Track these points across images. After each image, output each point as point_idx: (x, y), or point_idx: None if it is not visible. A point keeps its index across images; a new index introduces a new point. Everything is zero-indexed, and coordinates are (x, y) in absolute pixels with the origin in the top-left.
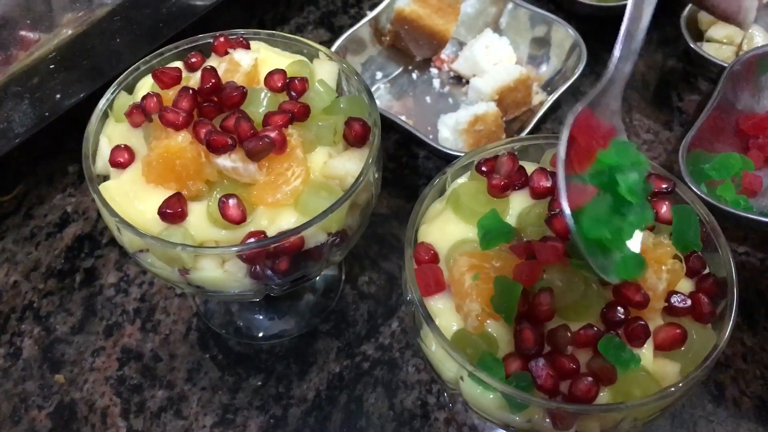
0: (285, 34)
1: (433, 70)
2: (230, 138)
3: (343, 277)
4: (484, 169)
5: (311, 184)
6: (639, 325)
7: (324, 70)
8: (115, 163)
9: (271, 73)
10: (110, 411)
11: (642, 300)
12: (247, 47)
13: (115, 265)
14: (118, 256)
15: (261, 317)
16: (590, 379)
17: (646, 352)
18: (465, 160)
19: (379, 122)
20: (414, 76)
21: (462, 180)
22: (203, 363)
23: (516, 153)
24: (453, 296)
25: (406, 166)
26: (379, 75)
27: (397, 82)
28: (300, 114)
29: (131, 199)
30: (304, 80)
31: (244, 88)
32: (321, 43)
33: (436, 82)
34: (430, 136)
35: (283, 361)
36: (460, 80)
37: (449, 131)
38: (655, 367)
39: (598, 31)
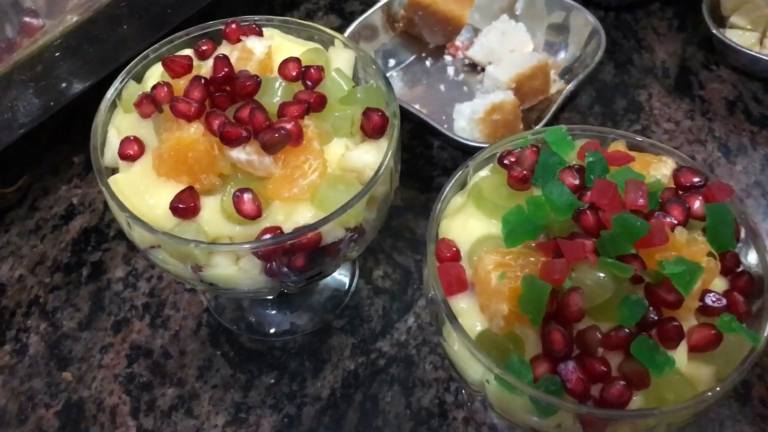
0: (299, 21)
1: (447, 58)
2: (245, 130)
3: (357, 272)
4: (506, 162)
5: (328, 177)
6: (673, 326)
7: (340, 59)
8: (124, 156)
9: (285, 62)
10: (119, 410)
11: (675, 300)
12: (260, 34)
13: (123, 259)
14: (126, 249)
15: (273, 312)
16: (623, 383)
17: (679, 354)
18: (487, 152)
19: (399, 113)
20: (428, 63)
21: (483, 173)
22: (214, 360)
23: (540, 145)
24: (477, 295)
25: (421, 156)
26: (391, 62)
27: (410, 70)
28: (316, 104)
29: (141, 193)
30: (320, 69)
31: (258, 77)
32: (332, 29)
33: (451, 70)
34: (445, 126)
35: (296, 358)
36: (475, 68)
37: (465, 121)
38: (689, 369)
39: (616, 17)
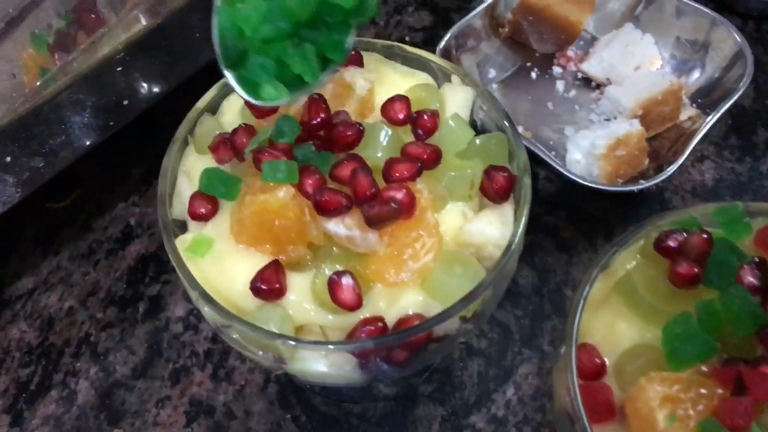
0: (408, 48)
1: (557, 69)
2: (344, 197)
3: None
4: (666, 247)
5: (443, 256)
6: None
7: (456, 98)
8: (195, 216)
9: (391, 101)
10: None
11: None
12: (361, 64)
13: (184, 295)
14: None
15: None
16: None
17: None
18: (641, 235)
19: (529, 169)
20: (533, 75)
21: (629, 253)
22: (284, 425)
23: (708, 229)
24: None
25: None
26: (491, 73)
27: (512, 82)
28: (429, 161)
29: (216, 261)
30: (435, 115)
31: (360, 125)
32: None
33: (560, 85)
34: (553, 153)
35: (376, 429)
36: (589, 83)
37: (582, 154)
38: None
39: (756, 27)
